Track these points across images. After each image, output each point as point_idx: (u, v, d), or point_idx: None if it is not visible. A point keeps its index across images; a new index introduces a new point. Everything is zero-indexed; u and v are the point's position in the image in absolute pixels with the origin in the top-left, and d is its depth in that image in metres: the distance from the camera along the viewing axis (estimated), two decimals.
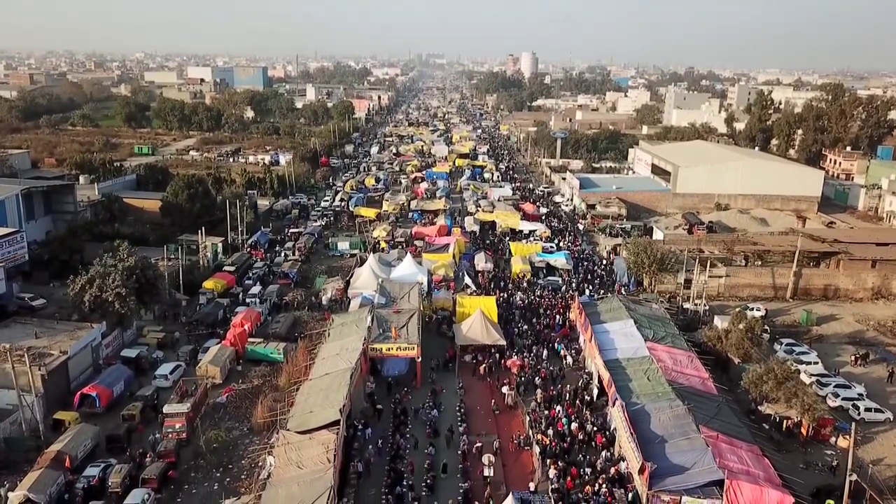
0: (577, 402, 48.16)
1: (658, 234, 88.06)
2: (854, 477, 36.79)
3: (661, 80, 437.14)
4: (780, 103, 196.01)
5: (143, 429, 44.01)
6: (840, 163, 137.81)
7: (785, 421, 45.22)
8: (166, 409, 43.49)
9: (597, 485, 38.47)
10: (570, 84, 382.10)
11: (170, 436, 41.77)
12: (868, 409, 47.65)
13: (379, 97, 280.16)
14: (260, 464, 39.25)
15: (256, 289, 66.61)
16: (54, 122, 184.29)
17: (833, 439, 44.66)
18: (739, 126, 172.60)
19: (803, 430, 44.49)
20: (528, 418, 45.80)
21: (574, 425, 44.43)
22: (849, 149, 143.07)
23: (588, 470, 40.20)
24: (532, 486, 38.49)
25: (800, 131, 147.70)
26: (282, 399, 45.87)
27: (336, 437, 37.71)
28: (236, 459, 41.56)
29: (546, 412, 46.69)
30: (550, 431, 43.91)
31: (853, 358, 56.41)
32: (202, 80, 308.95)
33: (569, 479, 39.19)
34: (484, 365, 53.10)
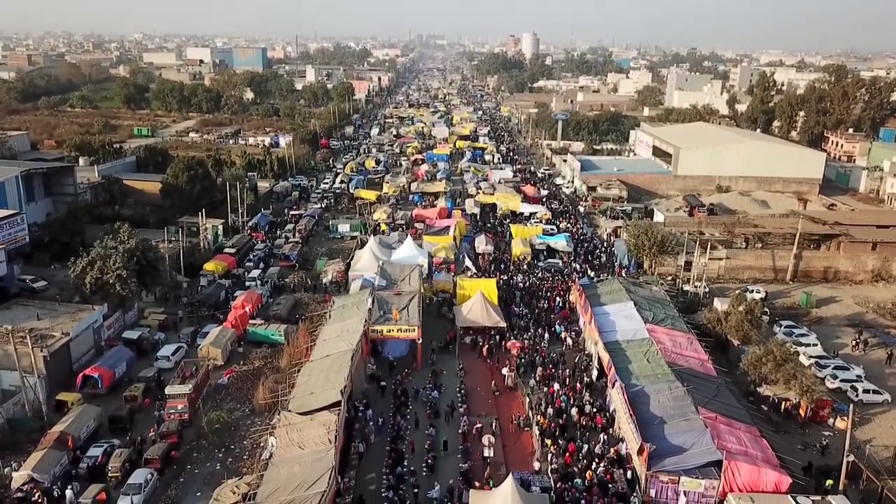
0: (577, 383, 48.37)
1: (659, 217, 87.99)
2: (851, 457, 37.12)
3: (663, 61, 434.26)
4: (783, 85, 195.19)
5: (149, 402, 44.66)
6: (842, 145, 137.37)
7: (783, 402, 45.44)
8: (168, 390, 43.67)
9: (593, 463, 38.86)
10: (572, 65, 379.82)
11: (172, 417, 42.01)
12: (866, 391, 47.87)
13: (379, 78, 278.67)
14: (262, 444, 39.53)
15: (256, 272, 66.62)
16: (53, 104, 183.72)
17: (831, 420, 44.91)
18: (741, 108, 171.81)
19: (802, 412, 44.72)
20: (527, 399, 46.07)
21: (574, 410, 44.58)
22: (851, 131, 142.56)
23: (585, 448, 40.51)
24: (536, 465, 38.90)
25: (802, 113, 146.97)
26: (283, 380, 46.18)
27: (337, 418, 37.96)
28: (238, 440, 41.87)
29: (545, 389, 47.10)
30: (550, 411, 44.20)
31: (853, 343, 56.50)
32: (201, 62, 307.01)
33: (567, 455, 39.61)
34: (486, 346, 53.33)
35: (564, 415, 44.34)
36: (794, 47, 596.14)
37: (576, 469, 38.64)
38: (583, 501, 35.76)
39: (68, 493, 35.67)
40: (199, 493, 36.87)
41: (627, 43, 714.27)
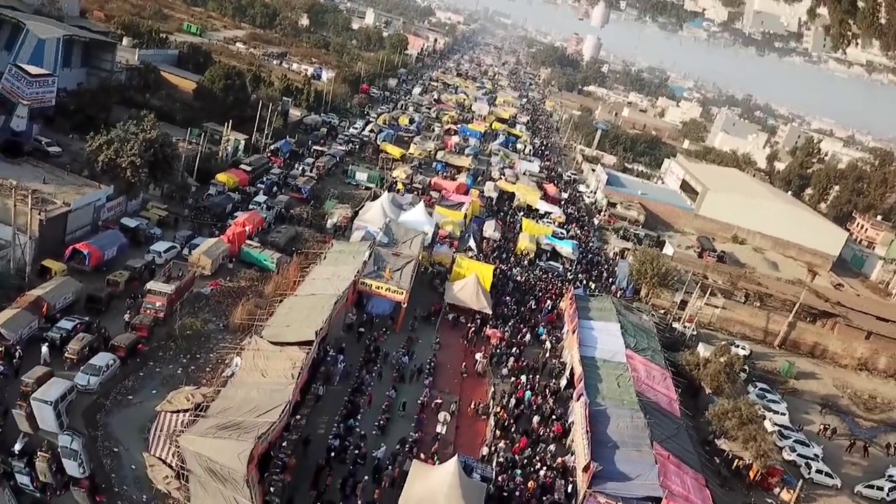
0: (545, 388, 48.53)
1: (668, 249, 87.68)
2: None
3: (717, 99, 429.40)
4: (826, 154, 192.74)
5: (137, 284, 45.31)
6: (867, 229, 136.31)
7: (737, 460, 45.78)
8: (150, 285, 43.79)
9: (538, 465, 39.30)
10: (626, 78, 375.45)
11: (148, 312, 42.32)
12: (819, 472, 48.15)
13: (435, 40, 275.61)
14: (226, 362, 39.90)
15: (262, 198, 66.28)
16: None
17: (777, 490, 45.25)
18: (780, 166, 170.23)
19: (752, 474, 45.07)
20: (492, 389, 46.36)
21: (536, 418, 44.54)
22: (879, 218, 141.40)
23: (537, 448, 40.87)
24: (484, 450, 39.32)
25: (837, 187, 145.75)
26: (263, 306, 46.39)
27: (305, 357, 38.21)
28: (205, 351, 42.27)
29: (512, 380, 47.52)
30: (513, 402, 44.47)
31: (822, 427, 56.46)
32: None
33: (516, 446, 40.08)
34: (472, 328, 53.50)
35: (522, 406, 44.71)
36: (848, 121, 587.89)
37: (516, 457, 39.15)
38: (517, 493, 36.19)
39: (44, 349, 36.30)
40: (154, 392, 37.30)
41: (687, 71, 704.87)
